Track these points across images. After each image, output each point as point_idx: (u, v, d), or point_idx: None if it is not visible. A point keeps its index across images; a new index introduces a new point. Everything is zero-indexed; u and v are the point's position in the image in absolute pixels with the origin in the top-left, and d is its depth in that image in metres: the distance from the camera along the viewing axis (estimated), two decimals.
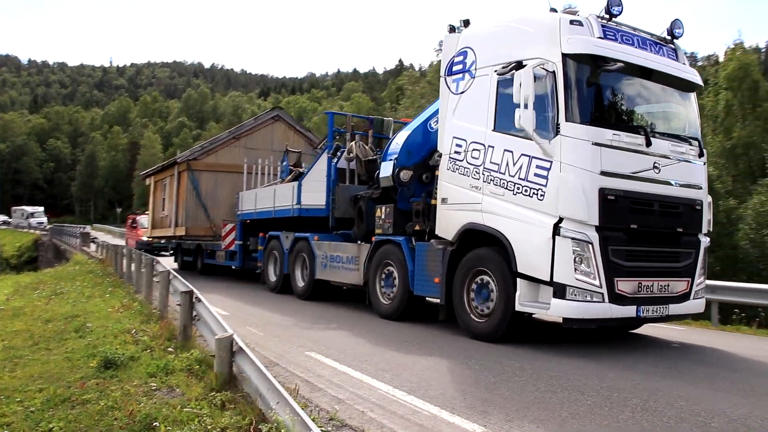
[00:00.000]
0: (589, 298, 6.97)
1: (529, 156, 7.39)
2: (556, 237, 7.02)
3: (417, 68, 51.45)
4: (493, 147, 7.91)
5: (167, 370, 6.00)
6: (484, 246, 8.09)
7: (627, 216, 7.24)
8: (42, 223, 57.72)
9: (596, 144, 7.08)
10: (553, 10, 7.83)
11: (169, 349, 6.90)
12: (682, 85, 8.19)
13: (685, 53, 8.54)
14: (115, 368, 6.12)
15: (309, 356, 7.10)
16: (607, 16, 7.62)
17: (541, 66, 7.23)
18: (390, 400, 5.33)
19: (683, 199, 7.81)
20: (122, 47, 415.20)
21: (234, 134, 19.28)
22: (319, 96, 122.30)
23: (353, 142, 12.25)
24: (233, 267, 17.69)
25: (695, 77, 8.31)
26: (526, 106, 7.04)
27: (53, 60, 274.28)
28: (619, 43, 7.58)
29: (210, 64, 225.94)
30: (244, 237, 16.13)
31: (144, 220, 28.91)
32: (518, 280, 7.41)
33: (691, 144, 8.11)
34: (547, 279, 7.09)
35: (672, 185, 7.67)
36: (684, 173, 7.85)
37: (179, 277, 9.02)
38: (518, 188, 7.48)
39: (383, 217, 10.23)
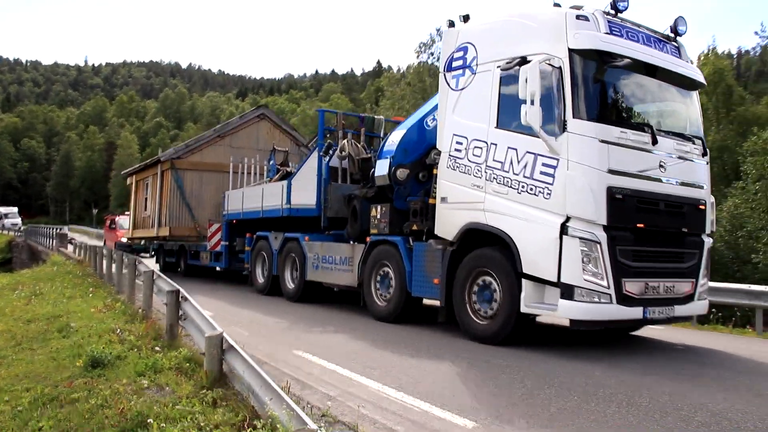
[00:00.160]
0: (596, 300, 6.81)
1: (535, 153, 7.21)
2: (564, 237, 6.85)
3: (396, 70, 51.33)
4: (495, 144, 7.73)
5: (156, 369, 5.92)
6: (486, 246, 7.89)
7: (634, 215, 7.11)
8: (16, 224, 56.19)
9: (603, 141, 6.94)
10: (557, 5, 7.70)
11: (156, 348, 6.79)
12: (686, 83, 8.10)
13: None
14: (103, 367, 6.08)
15: (297, 355, 7.08)
16: (612, 12, 7.49)
17: (547, 62, 7.07)
18: (380, 397, 5.38)
19: (688, 198, 7.72)
20: (97, 46, 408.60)
21: (219, 132, 18.96)
22: (297, 97, 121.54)
23: (345, 140, 11.95)
24: (218, 268, 17.34)
25: (699, 75, 8.25)
26: (532, 102, 6.88)
27: (26, 58, 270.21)
28: (625, 39, 7.44)
29: (187, 63, 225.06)
30: (231, 237, 15.75)
31: (123, 221, 28.38)
32: (523, 281, 7.23)
33: (694, 143, 8.02)
34: (554, 280, 6.92)
35: (677, 184, 7.57)
36: (688, 172, 7.77)
37: (164, 276, 8.83)
38: (523, 187, 7.30)
39: (379, 216, 9.98)
